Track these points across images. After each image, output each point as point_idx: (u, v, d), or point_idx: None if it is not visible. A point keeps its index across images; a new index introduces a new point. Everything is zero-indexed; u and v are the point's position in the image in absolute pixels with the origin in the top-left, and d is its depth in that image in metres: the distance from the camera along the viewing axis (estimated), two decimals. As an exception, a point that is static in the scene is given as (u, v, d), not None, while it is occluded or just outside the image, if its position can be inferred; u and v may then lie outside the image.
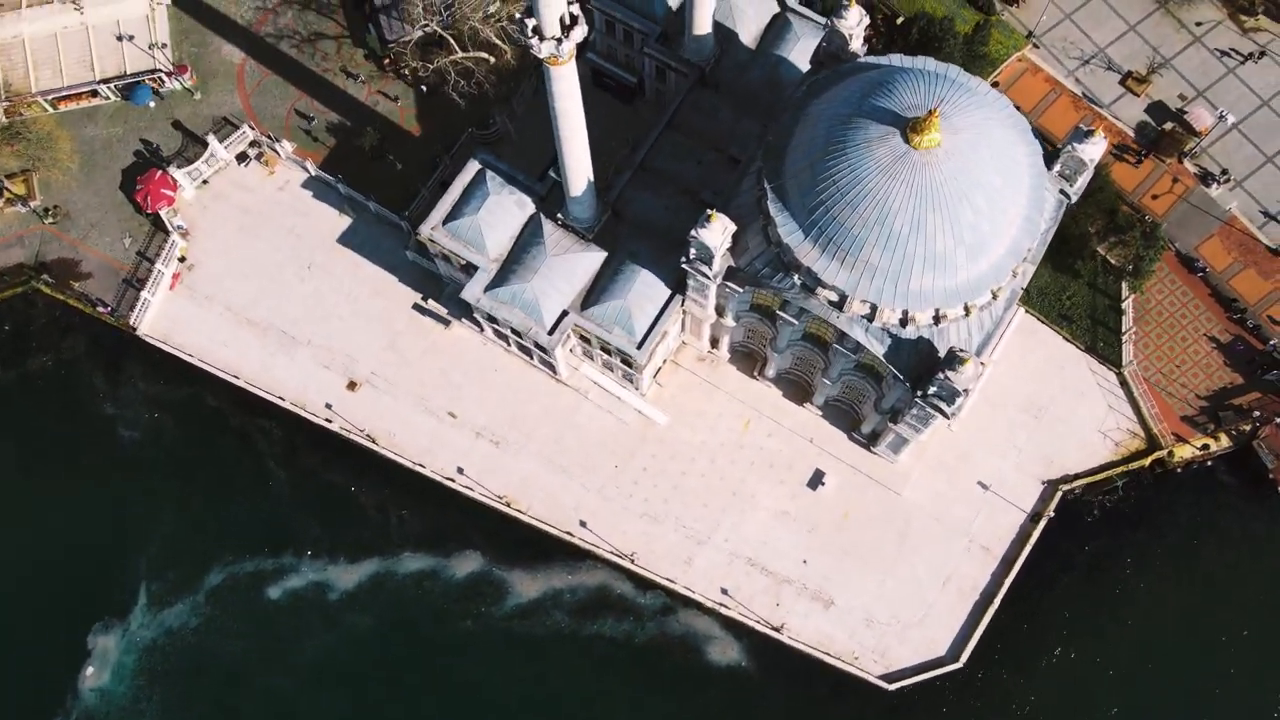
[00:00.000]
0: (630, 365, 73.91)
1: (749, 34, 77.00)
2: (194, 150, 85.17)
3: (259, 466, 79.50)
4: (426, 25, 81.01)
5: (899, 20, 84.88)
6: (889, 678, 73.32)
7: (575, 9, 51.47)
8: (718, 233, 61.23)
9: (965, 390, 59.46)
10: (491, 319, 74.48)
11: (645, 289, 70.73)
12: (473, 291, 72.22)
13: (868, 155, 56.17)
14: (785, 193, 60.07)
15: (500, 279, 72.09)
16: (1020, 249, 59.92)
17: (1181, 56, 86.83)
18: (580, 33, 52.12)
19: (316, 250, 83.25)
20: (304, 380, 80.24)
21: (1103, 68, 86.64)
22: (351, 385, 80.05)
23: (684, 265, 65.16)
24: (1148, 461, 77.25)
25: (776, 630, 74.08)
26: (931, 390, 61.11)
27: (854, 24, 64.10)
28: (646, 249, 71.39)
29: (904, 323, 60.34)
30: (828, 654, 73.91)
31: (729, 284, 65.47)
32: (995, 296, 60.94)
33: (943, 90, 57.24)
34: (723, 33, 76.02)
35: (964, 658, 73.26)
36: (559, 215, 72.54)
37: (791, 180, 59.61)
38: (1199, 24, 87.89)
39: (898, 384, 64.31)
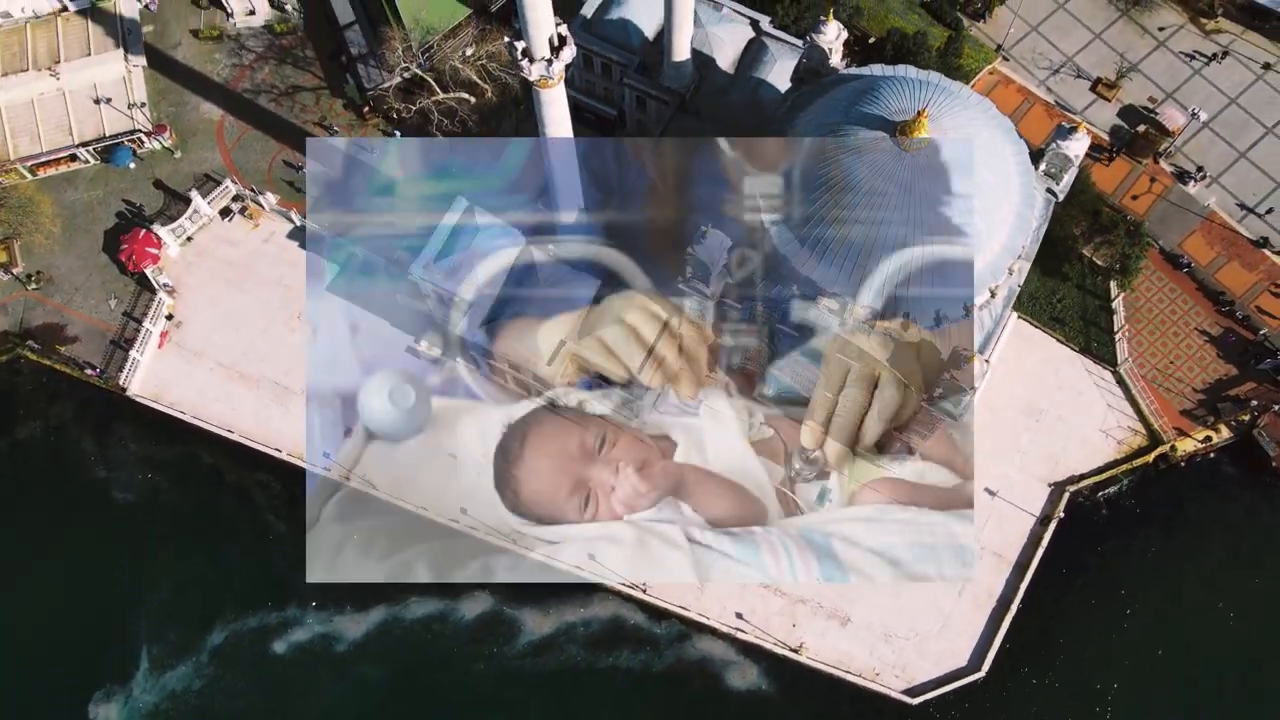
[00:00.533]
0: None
1: (726, 59, 78.09)
2: (177, 208, 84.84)
3: (258, 520, 78.08)
4: (406, 70, 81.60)
5: (871, 40, 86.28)
6: (912, 692, 72.25)
7: (564, 30, 52.01)
8: (714, 249, 61.39)
9: (972, 388, 59.55)
10: (488, 353, 74.05)
11: (642, 313, 70.68)
12: (469, 326, 71.90)
13: (859, 159, 56.78)
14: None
15: (495, 312, 71.87)
16: (1015, 246, 60.48)
17: (1148, 61, 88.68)
18: (570, 53, 52.66)
19: (306, 299, 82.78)
20: (301, 430, 79.19)
21: (1072, 76, 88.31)
22: (348, 431, 79.08)
23: (680, 285, 65.16)
24: (1151, 457, 77.35)
25: (795, 651, 72.94)
26: (937, 392, 61.13)
27: (833, 38, 65.09)
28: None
29: (907, 325, 60.49)
30: (848, 672, 72.80)
31: (727, 300, 65.47)
32: (993, 295, 61.32)
33: (928, 94, 58.12)
34: (700, 59, 77.04)
35: (986, 667, 72.44)
36: (550, 246, 72.65)
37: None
38: (1161, 29, 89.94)
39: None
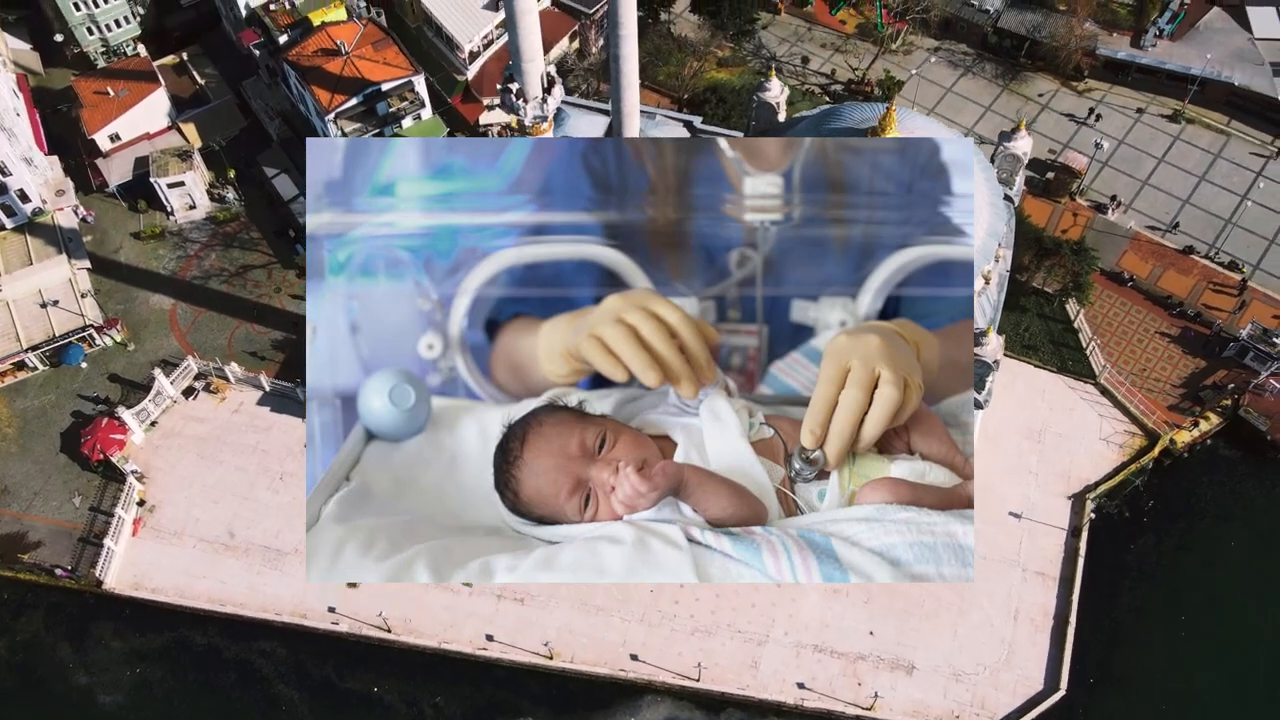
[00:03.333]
0: (645, 471, 71.66)
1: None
2: (136, 397, 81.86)
3: (267, 694, 71.20)
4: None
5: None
6: (998, 725, 68.60)
7: (552, 69, 54.61)
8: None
9: (995, 362, 60.41)
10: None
11: (644, 386, 70.41)
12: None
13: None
14: (769, 228, 62.48)
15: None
16: (996, 231, 63.41)
17: (1038, 123, 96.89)
18: (559, 93, 55.08)
19: (285, 460, 79.51)
20: (299, 590, 74.06)
21: (976, 143, 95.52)
22: (352, 583, 74.42)
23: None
24: (1155, 452, 78.55)
25: (868, 710, 68.75)
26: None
27: (777, 93, 69.66)
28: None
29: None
30: (928, 721, 68.95)
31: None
32: (988, 281, 63.54)
33: (882, 109, 62.24)
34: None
35: (1064, 684, 69.46)
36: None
37: (773, 214, 62.28)
38: (1041, 95, 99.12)
39: (921, 394, 64.57)
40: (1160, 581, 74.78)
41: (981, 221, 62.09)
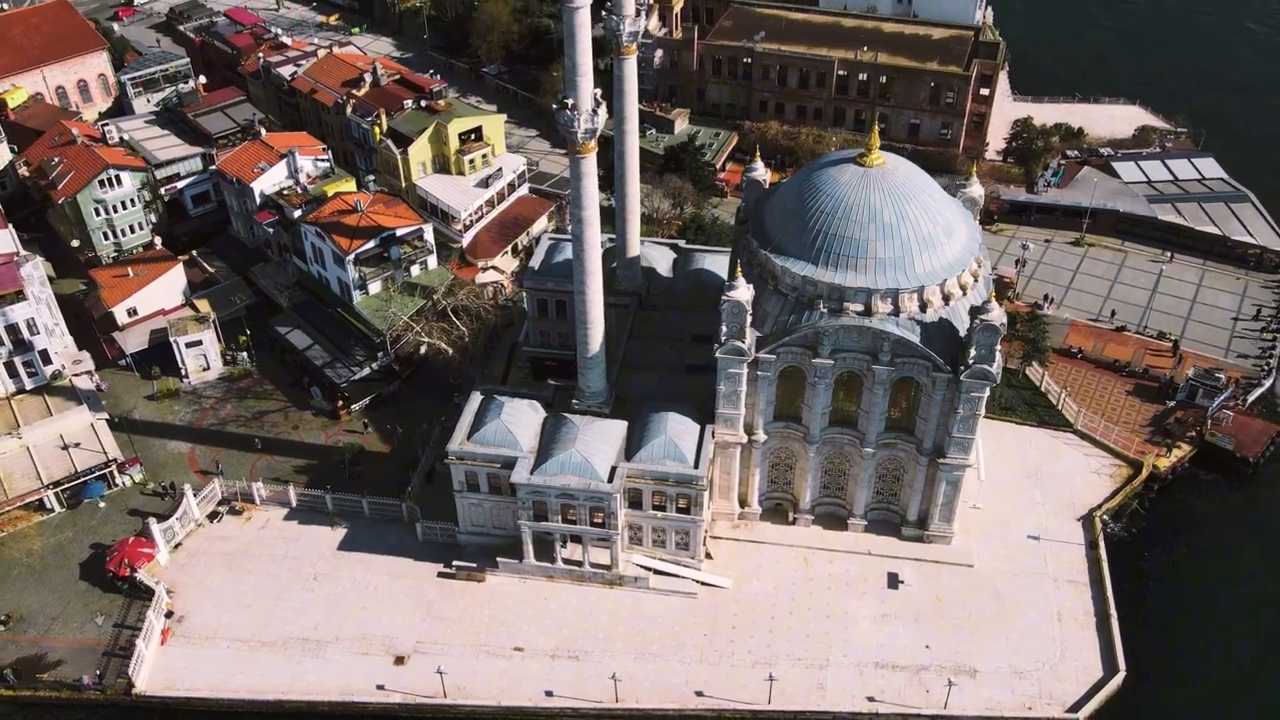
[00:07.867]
0: (689, 507, 74.16)
1: (664, 268, 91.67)
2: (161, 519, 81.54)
3: (318, 779, 66.82)
4: (383, 352, 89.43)
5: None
6: (1074, 708, 68.86)
7: (598, 93, 64.50)
8: (744, 289, 69.53)
9: (1001, 325, 67.62)
10: (540, 516, 74.03)
11: (679, 425, 75.20)
12: (520, 475, 72.60)
13: (838, 180, 70.20)
14: (783, 246, 71.17)
15: (542, 459, 73.49)
16: (975, 235, 73.42)
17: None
18: (604, 114, 64.63)
19: (318, 563, 79.19)
20: (344, 674, 71.58)
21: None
22: (399, 660, 72.29)
23: (718, 354, 71.54)
24: (1144, 475, 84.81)
25: (944, 710, 68.38)
26: (973, 354, 68.31)
27: (763, 173, 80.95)
28: (660, 406, 77.12)
29: (923, 307, 69.50)
30: (1003, 715, 68.63)
31: (763, 354, 71.77)
32: (976, 278, 72.42)
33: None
34: (644, 271, 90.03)
35: (1123, 666, 70.90)
36: (574, 400, 77.80)
37: (783, 233, 71.32)
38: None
39: (938, 383, 70.78)
40: (1180, 581, 79.18)
41: (961, 224, 72.19)
